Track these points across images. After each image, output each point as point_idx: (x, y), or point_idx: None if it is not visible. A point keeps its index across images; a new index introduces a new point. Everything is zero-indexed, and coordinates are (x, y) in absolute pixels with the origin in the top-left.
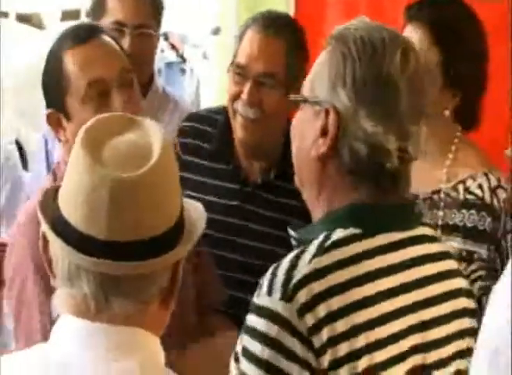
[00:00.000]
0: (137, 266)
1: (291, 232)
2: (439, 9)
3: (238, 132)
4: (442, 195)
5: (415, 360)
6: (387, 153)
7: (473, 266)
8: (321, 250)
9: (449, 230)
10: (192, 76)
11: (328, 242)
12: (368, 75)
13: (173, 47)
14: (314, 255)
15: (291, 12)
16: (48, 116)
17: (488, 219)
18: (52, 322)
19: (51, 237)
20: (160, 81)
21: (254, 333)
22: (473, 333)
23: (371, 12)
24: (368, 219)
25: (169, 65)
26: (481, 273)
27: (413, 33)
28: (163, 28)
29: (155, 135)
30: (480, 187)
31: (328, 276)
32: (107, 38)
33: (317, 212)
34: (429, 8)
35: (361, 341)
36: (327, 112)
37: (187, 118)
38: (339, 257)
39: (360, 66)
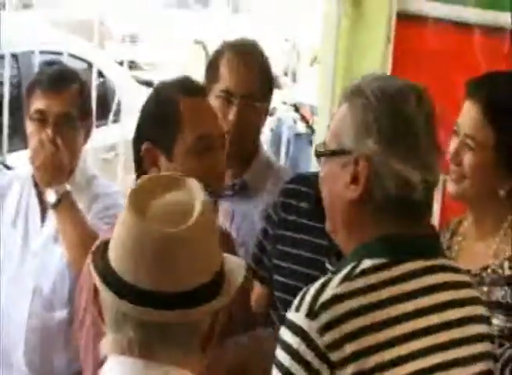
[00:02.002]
0: (179, 314)
1: (328, 266)
2: (494, 89)
3: None
4: (489, 271)
5: None
6: (414, 186)
7: None
8: (348, 277)
9: (492, 307)
10: None
11: (356, 271)
12: (390, 120)
13: (303, 118)
14: (342, 281)
15: None
16: (147, 150)
17: None
18: (100, 362)
19: (101, 287)
20: (264, 150)
21: (281, 343)
22: (490, 356)
23: (464, 74)
24: (392, 250)
25: (298, 136)
26: None
27: (470, 110)
28: (295, 100)
29: (197, 195)
30: None
31: (351, 300)
32: None
33: (349, 249)
34: (485, 87)
35: (379, 358)
36: (356, 161)
37: (291, 180)
38: (364, 283)
39: (381, 113)
